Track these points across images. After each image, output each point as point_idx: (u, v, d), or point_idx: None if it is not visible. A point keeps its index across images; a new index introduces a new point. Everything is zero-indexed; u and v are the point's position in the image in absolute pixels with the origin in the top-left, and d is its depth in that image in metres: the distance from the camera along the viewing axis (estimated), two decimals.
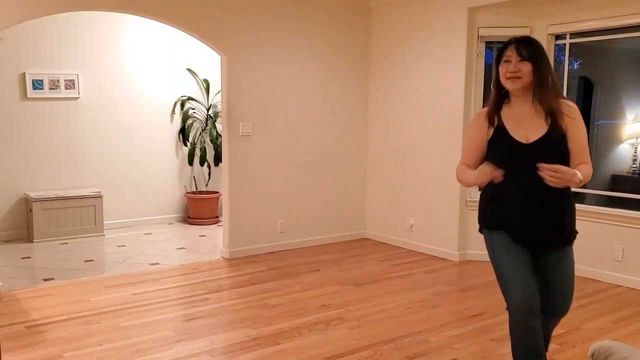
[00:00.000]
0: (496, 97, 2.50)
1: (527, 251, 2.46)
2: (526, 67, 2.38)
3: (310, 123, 5.64)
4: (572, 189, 2.48)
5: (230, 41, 5.08)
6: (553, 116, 2.38)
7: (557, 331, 3.50)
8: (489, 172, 2.34)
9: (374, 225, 6.08)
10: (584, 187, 4.95)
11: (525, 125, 2.42)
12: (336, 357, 3.14)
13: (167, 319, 3.70)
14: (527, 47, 2.41)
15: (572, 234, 2.50)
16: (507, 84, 2.43)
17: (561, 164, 2.28)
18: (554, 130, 2.37)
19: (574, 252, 2.51)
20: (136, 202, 6.70)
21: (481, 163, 2.45)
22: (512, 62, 2.40)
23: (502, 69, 2.43)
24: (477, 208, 2.64)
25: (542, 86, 2.39)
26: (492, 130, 2.49)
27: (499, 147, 2.46)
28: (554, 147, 2.37)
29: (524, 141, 2.40)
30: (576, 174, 2.26)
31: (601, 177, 4.91)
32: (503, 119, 2.48)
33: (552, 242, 2.46)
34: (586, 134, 2.44)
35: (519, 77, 2.39)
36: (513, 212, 2.44)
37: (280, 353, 3.19)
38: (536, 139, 2.38)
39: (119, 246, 5.70)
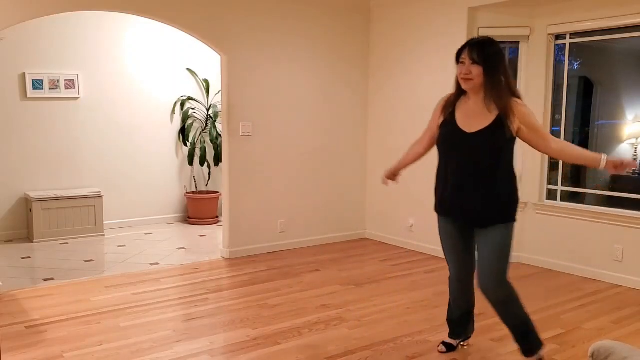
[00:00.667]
0: (456, 91, 2.84)
1: (464, 228, 2.90)
2: (477, 70, 2.66)
3: (310, 123, 5.64)
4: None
5: (230, 41, 5.08)
6: (504, 115, 2.67)
7: (557, 331, 3.51)
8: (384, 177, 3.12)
9: (374, 225, 6.08)
10: (584, 187, 4.96)
11: (473, 118, 2.74)
12: (336, 357, 3.14)
13: (167, 319, 3.70)
14: (480, 50, 2.67)
15: (501, 215, 2.75)
16: (462, 84, 2.75)
17: (491, 155, 2.69)
18: (499, 127, 2.67)
19: (510, 236, 2.77)
20: (136, 202, 6.70)
21: (431, 142, 3.00)
22: (465, 65, 2.69)
23: (457, 70, 2.76)
24: None
25: (493, 88, 2.67)
26: (442, 118, 2.88)
27: (444, 131, 2.86)
28: (490, 139, 2.67)
29: (466, 130, 2.74)
30: (602, 157, 2.61)
31: (601, 177, 4.91)
32: (456, 110, 2.82)
33: (477, 221, 2.81)
34: (536, 118, 2.77)
35: (471, 79, 2.69)
36: (447, 194, 2.88)
37: (280, 353, 3.19)
38: (477, 130, 2.70)
39: (119, 246, 5.71)
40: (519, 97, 2.76)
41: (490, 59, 2.67)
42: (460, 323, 3.20)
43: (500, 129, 2.68)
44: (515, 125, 2.69)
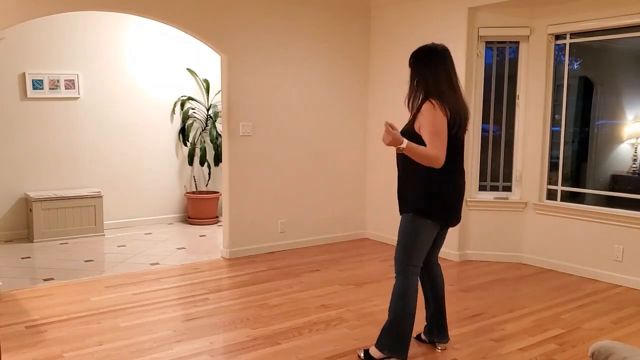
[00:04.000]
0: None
1: None
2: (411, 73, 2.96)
3: (310, 123, 5.64)
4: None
5: (230, 41, 5.08)
6: (418, 114, 2.87)
7: (557, 331, 3.51)
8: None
9: (374, 225, 6.08)
10: (584, 187, 4.96)
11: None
12: (336, 357, 3.14)
13: (167, 319, 3.70)
14: (411, 57, 2.96)
15: (407, 205, 2.96)
16: None
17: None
18: (410, 125, 2.90)
19: (407, 227, 2.95)
20: (136, 202, 6.70)
21: None
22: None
23: None
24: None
25: (412, 89, 2.94)
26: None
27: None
28: (406, 136, 2.81)
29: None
30: (403, 141, 2.74)
31: (601, 177, 4.91)
32: None
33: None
34: (431, 126, 2.79)
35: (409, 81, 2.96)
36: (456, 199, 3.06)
37: (280, 353, 3.19)
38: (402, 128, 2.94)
39: (119, 246, 5.70)
40: (438, 98, 2.82)
41: (414, 63, 2.94)
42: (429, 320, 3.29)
43: (411, 126, 2.89)
44: (417, 124, 2.87)
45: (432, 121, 2.78)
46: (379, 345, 3.02)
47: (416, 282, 2.98)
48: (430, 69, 2.88)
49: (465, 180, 3.11)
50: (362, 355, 3.09)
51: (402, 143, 2.74)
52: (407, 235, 2.95)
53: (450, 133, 2.83)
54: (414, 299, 2.95)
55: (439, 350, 3.23)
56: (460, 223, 5.21)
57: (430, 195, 2.89)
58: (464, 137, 2.99)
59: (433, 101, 2.80)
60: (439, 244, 3.16)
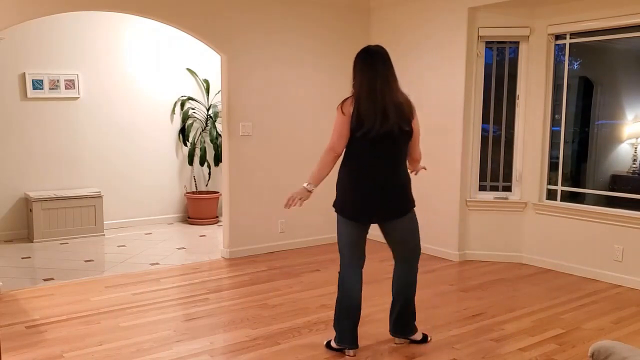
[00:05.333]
0: None
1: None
2: None
3: (310, 123, 5.64)
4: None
5: (230, 41, 5.08)
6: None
7: (557, 331, 3.51)
8: None
9: (374, 225, 6.06)
10: (584, 187, 4.96)
11: None
12: (336, 357, 3.14)
13: (167, 319, 3.70)
14: None
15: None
16: None
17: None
18: None
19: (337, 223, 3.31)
20: (136, 202, 6.70)
21: None
22: None
23: None
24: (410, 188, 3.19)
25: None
26: None
27: None
28: None
29: None
30: (307, 184, 3.24)
31: (601, 177, 4.91)
32: None
33: None
34: (336, 118, 3.11)
35: None
36: None
37: (280, 353, 3.19)
38: None
39: (119, 246, 5.71)
40: (355, 97, 3.06)
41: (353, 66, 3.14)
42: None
43: None
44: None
45: (335, 119, 3.13)
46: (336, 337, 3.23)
47: (348, 277, 3.25)
48: (355, 72, 3.12)
49: (394, 178, 3.10)
50: (324, 344, 3.30)
51: (307, 186, 3.15)
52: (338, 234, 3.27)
53: (355, 134, 3.01)
54: (342, 292, 3.22)
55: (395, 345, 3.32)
56: (460, 223, 5.28)
57: (340, 194, 3.19)
58: (391, 139, 3.01)
59: (342, 103, 3.09)
60: (392, 241, 3.28)
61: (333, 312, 3.83)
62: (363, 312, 3.85)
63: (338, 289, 3.26)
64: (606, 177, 4.88)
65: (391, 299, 3.33)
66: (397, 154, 3.07)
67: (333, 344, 3.22)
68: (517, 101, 5.14)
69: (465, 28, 4.98)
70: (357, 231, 3.22)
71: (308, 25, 5.52)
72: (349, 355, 3.14)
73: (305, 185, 3.13)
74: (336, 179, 3.26)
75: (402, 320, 3.28)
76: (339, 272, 3.29)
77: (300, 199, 3.10)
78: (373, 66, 3.07)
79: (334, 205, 3.22)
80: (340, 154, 3.15)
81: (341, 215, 3.19)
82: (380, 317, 3.75)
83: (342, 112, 3.06)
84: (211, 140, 6.96)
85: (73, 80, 6.14)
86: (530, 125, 5.07)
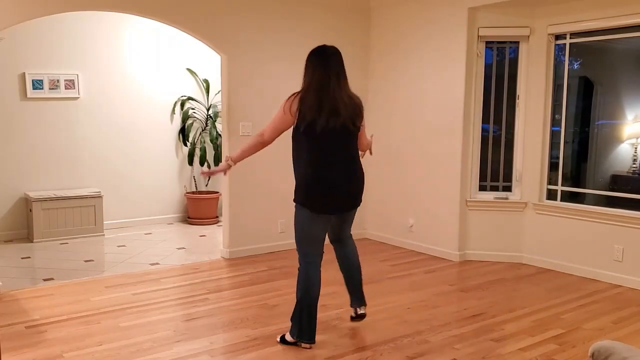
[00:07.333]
0: None
1: None
2: None
3: None
4: None
5: (230, 41, 5.08)
6: None
7: (557, 331, 3.51)
8: None
9: (374, 225, 6.08)
10: (584, 187, 4.96)
11: None
12: (336, 357, 3.14)
13: (167, 319, 3.70)
14: None
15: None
16: None
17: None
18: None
19: (296, 216, 3.24)
20: (136, 202, 6.70)
21: None
22: None
23: None
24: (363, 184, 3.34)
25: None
26: None
27: None
28: None
29: None
30: (227, 159, 3.42)
31: (601, 177, 4.91)
32: None
33: None
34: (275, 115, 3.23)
35: None
36: None
37: (280, 353, 3.19)
38: None
39: (119, 246, 5.70)
40: (303, 92, 3.13)
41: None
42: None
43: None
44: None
45: (277, 111, 3.22)
46: (292, 329, 3.26)
47: (313, 274, 3.19)
48: (307, 67, 3.22)
49: (351, 170, 3.25)
50: (278, 339, 3.31)
51: (229, 161, 3.35)
52: (296, 224, 3.23)
53: (299, 129, 3.10)
54: (306, 289, 3.20)
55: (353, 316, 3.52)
56: (460, 223, 5.28)
57: (304, 189, 3.16)
58: (345, 133, 3.19)
59: (288, 99, 3.15)
60: (343, 225, 3.41)
61: (332, 312, 3.84)
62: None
63: (300, 285, 3.21)
64: (606, 177, 4.88)
65: (347, 278, 3.52)
66: (354, 147, 3.30)
67: (288, 337, 3.26)
68: (517, 101, 5.14)
69: (466, 28, 4.98)
70: (324, 225, 3.23)
71: (308, 26, 5.52)
72: (305, 348, 3.22)
73: (228, 160, 3.38)
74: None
75: (361, 289, 3.53)
76: (299, 269, 3.23)
77: (221, 171, 3.37)
78: (328, 64, 3.21)
79: (297, 202, 3.18)
80: (268, 143, 3.29)
81: (312, 210, 3.13)
82: (381, 317, 3.75)
83: (283, 111, 3.16)
84: (211, 140, 6.96)
85: (73, 80, 6.14)
86: (531, 125, 5.07)
